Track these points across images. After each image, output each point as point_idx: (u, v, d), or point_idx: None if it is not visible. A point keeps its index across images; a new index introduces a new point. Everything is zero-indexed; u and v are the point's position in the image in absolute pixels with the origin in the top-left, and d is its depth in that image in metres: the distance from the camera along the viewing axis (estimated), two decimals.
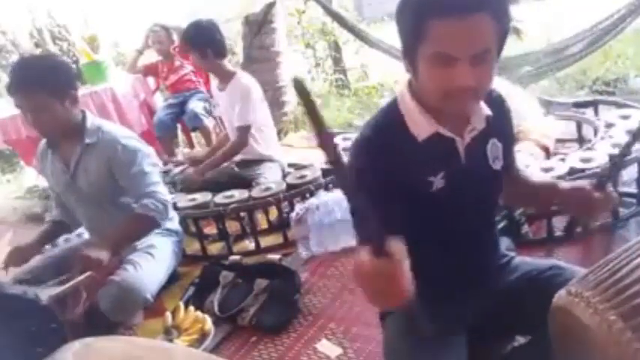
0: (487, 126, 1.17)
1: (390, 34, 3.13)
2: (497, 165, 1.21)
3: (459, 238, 1.19)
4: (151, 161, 2.19)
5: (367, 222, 0.81)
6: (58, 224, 2.39)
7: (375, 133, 1.14)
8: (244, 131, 2.86)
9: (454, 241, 1.18)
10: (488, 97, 1.16)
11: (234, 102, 2.85)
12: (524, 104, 2.57)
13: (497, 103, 1.22)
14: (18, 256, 2.20)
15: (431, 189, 1.12)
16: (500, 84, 2.36)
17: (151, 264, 2.16)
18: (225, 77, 2.91)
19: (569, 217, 1.55)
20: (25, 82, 1.97)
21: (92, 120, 2.17)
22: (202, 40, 2.80)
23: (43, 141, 2.27)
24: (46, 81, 1.97)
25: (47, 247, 2.46)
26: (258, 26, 4.62)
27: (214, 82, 3.15)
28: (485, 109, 1.16)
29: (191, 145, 4.47)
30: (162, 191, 2.17)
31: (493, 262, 1.29)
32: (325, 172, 2.71)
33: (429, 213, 1.14)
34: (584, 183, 1.24)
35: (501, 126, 1.22)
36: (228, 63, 3.02)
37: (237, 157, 3.04)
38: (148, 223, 2.12)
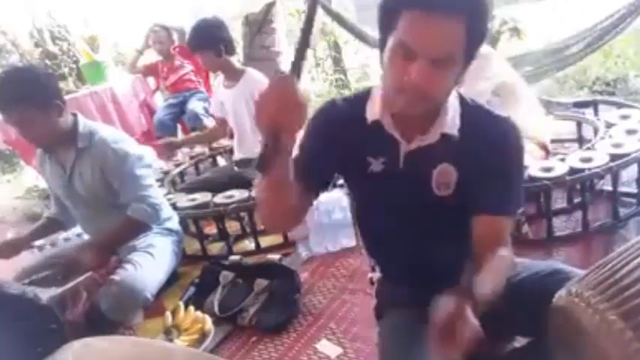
0: (446, 147, 1.11)
1: None
2: (444, 192, 1.14)
3: (416, 231, 1.18)
4: (142, 164, 2.18)
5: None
6: (53, 221, 2.41)
7: (337, 102, 1.22)
8: None
9: (410, 233, 1.19)
10: (489, 123, 1.10)
11: (249, 98, 2.83)
12: (530, 99, 2.54)
13: (497, 135, 1.11)
14: (6, 249, 2.25)
15: (368, 169, 1.17)
16: (509, 73, 2.35)
17: (151, 263, 2.17)
18: (236, 74, 2.89)
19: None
20: (5, 99, 1.96)
21: (84, 124, 2.16)
22: (214, 38, 2.77)
23: None
24: (25, 96, 1.94)
25: (48, 246, 2.47)
26: (258, 26, 4.62)
27: (219, 79, 3.13)
28: (449, 127, 1.11)
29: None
30: (154, 195, 2.18)
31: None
32: None
33: (373, 191, 1.21)
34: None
35: (480, 160, 1.09)
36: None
37: (237, 157, 3.04)
38: (138, 227, 2.17)
